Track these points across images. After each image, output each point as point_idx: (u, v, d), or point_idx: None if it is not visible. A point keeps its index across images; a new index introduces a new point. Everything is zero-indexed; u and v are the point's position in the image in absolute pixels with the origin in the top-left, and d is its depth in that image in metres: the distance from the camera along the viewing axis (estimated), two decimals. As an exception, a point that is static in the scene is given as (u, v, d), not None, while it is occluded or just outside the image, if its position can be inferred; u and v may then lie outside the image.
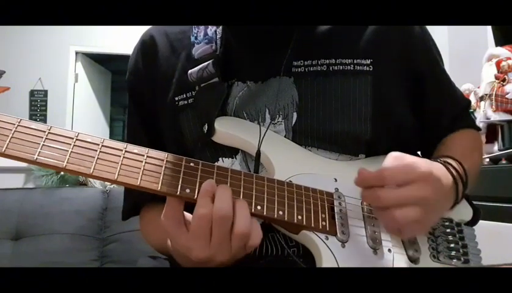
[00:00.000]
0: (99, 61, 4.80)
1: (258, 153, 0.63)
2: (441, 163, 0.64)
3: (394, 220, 0.54)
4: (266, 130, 0.64)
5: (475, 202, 0.71)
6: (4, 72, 3.88)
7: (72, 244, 1.62)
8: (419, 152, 0.81)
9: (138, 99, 0.78)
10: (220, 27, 0.72)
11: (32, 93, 4.17)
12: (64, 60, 4.30)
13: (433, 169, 0.58)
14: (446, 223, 0.66)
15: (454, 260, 0.64)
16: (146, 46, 0.77)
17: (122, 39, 4.03)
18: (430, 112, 0.75)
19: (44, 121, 4.11)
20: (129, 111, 0.80)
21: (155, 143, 0.67)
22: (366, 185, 0.56)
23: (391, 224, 0.55)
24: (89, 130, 4.39)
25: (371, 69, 0.67)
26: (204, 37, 0.71)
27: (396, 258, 0.60)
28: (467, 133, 0.79)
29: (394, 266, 0.59)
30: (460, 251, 0.65)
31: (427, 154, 0.77)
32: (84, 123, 4.36)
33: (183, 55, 0.73)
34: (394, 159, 0.57)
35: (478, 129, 0.83)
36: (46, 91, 4.20)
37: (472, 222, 0.69)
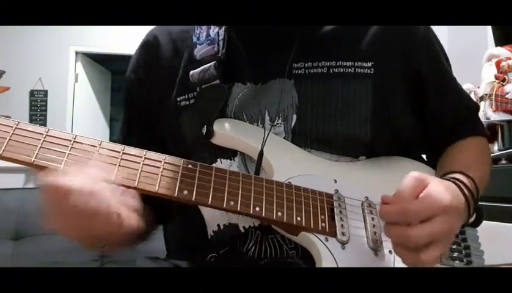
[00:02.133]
0: (99, 61, 4.79)
1: (261, 154, 0.63)
2: (454, 183, 0.62)
3: (420, 261, 0.53)
4: (269, 132, 0.64)
5: (475, 202, 0.71)
6: (4, 72, 3.88)
7: (72, 244, 1.61)
8: (423, 156, 0.80)
9: (138, 98, 0.77)
10: (223, 28, 0.72)
11: (32, 93, 4.16)
12: (64, 60, 4.30)
13: (452, 197, 0.57)
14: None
15: (457, 262, 0.64)
16: (149, 45, 0.77)
17: (122, 39, 4.02)
18: (430, 113, 0.74)
19: (44, 121, 4.10)
20: (126, 109, 0.80)
21: (152, 141, 0.67)
22: (390, 221, 0.55)
23: (413, 263, 0.54)
24: (89, 130, 4.39)
25: (372, 72, 0.67)
26: (207, 38, 0.71)
27: (397, 260, 0.59)
28: (476, 141, 0.77)
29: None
30: (463, 252, 0.65)
31: (433, 159, 0.76)
32: (84, 123, 4.36)
33: (186, 56, 0.73)
34: (415, 182, 0.55)
35: (487, 136, 0.80)
36: (46, 91, 4.19)
37: (475, 224, 0.69)
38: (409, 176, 0.56)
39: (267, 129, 0.65)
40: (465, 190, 0.62)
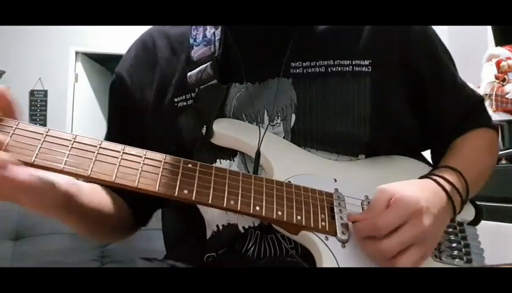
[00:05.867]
0: (99, 61, 4.80)
1: (258, 153, 0.63)
2: (433, 179, 0.63)
3: (400, 266, 0.55)
4: (265, 130, 0.64)
5: (474, 202, 0.71)
6: (4, 72, 3.88)
7: (72, 244, 1.61)
8: (425, 154, 0.80)
9: (123, 96, 0.76)
10: (219, 28, 0.72)
11: (32, 93, 4.16)
12: (64, 60, 4.30)
13: (424, 196, 0.57)
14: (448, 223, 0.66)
15: (457, 260, 0.64)
16: (146, 46, 0.77)
17: (122, 39, 4.01)
18: (432, 111, 0.74)
19: (44, 121, 4.11)
20: (111, 107, 0.80)
21: (132, 140, 0.62)
22: (363, 236, 0.57)
23: (392, 266, 0.56)
24: (89, 130, 4.38)
25: (369, 70, 0.67)
26: (203, 39, 0.71)
27: None
28: (479, 134, 0.76)
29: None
30: (463, 250, 0.65)
31: (438, 156, 0.76)
32: (84, 123, 4.36)
33: (183, 58, 0.72)
34: (382, 194, 0.57)
35: (493, 126, 0.79)
36: (46, 91, 4.19)
37: (475, 222, 0.69)
38: (377, 190, 0.58)
39: (265, 129, 0.65)
40: (447, 185, 0.62)
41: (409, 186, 0.59)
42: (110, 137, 0.75)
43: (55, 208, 0.57)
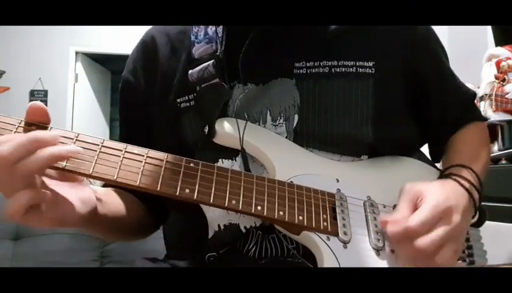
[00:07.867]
0: (99, 61, 4.80)
1: (243, 151, 0.63)
2: (453, 179, 0.65)
3: (437, 265, 0.56)
4: (245, 127, 0.64)
5: (474, 202, 0.71)
6: (4, 72, 3.89)
7: (72, 244, 1.61)
8: (422, 151, 0.80)
9: (135, 100, 0.76)
10: (221, 26, 0.71)
11: (32, 93, 4.17)
12: (64, 60, 4.30)
13: (450, 195, 0.60)
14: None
15: (459, 261, 0.64)
16: (146, 46, 0.77)
17: (122, 39, 4.03)
18: (435, 111, 0.75)
19: (44, 121, 4.10)
20: (122, 111, 0.80)
21: (152, 142, 0.66)
22: (398, 240, 0.57)
23: (430, 265, 0.57)
24: (89, 130, 4.39)
25: (373, 72, 0.67)
26: (205, 36, 0.71)
27: (399, 259, 0.59)
28: (474, 128, 0.79)
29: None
30: (466, 252, 0.65)
31: (437, 151, 0.78)
32: (84, 123, 4.36)
33: (184, 56, 0.72)
34: (409, 195, 0.59)
35: (485, 119, 0.82)
36: (46, 91, 4.20)
37: (478, 224, 0.69)
38: (402, 190, 0.60)
39: (245, 124, 0.65)
40: (466, 183, 0.64)
41: (434, 186, 0.61)
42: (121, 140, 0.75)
43: (78, 223, 0.54)
